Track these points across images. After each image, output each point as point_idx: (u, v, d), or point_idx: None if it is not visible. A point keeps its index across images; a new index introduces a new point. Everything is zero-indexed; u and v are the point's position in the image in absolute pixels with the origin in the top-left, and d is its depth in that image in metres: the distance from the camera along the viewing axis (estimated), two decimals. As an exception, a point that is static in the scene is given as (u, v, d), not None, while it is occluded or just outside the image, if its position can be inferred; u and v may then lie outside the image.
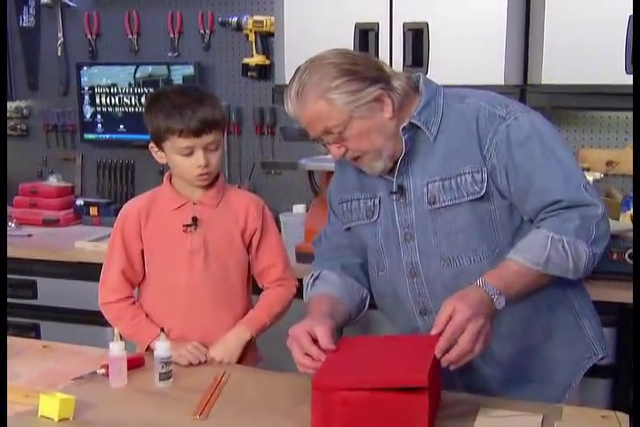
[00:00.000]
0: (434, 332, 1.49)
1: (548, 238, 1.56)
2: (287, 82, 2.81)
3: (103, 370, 1.74)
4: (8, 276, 3.08)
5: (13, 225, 3.47)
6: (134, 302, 1.98)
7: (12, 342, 2.00)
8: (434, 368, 1.45)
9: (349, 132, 1.62)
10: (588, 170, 2.88)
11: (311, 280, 1.83)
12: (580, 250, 1.56)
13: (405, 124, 1.64)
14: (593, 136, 2.98)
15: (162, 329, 1.75)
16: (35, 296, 3.14)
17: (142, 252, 1.97)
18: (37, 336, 3.13)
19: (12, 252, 3.10)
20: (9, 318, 3.14)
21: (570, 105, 2.70)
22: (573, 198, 1.57)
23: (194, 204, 1.94)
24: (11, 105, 3.79)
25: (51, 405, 1.53)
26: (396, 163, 1.69)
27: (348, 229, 1.83)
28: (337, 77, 1.58)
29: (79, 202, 3.58)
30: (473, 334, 1.46)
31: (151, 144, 1.92)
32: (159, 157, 1.92)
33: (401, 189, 1.70)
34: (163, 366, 1.70)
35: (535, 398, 1.63)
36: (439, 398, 1.56)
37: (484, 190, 1.62)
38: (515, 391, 1.69)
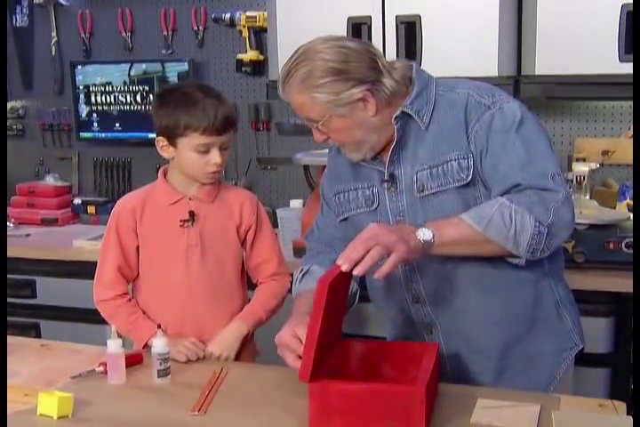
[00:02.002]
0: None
1: (497, 202, 1.56)
2: (281, 77, 2.88)
3: (101, 368, 1.74)
4: (7, 275, 3.11)
5: (12, 225, 3.48)
6: (130, 299, 1.98)
7: (10, 340, 1.99)
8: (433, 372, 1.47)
9: (328, 126, 1.64)
10: (584, 160, 2.88)
11: (300, 275, 1.83)
12: (525, 222, 1.54)
13: (398, 113, 1.65)
14: (588, 126, 2.98)
15: (159, 326, 1.75)
16: (34, 295, 3.15)
17: (137, 248, 1.97)
18: (37, 335, 3.13)
19: (11, 252, 3.08)
20: (9, 318, 3.15)
21: (564, 95, 2.70)
22: (532, 183, 1.57)
23: (190, 199, 1.94)
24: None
25: (49, 403, 1.53)
26: (383, 151, 1.70)
27: (344, 219, 1.83)
28: (322, 77, 1.59)
29: (77, 201, 3.58)
30: (381, 249, 1.47)
31: (160, 138, 1.89)
32: (166, 151, 1.90)
33: (392, 178, 1.71)
34: (161, 363, 1.70)
35: (521, 390, 1.64)
36: (436, 389, 1.57)
37: (470, 177, 1.64)
38: (501, 384, 1.70)
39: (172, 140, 1.87)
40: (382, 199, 1.74)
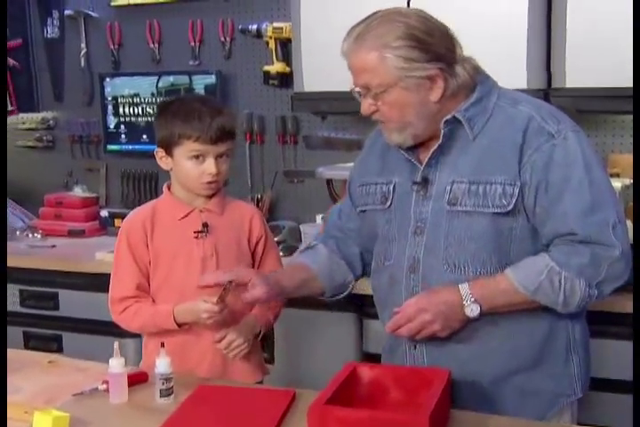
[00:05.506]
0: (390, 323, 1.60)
1: (547, 267, 1.52)
2: (306, 89, 2.85)
3: (104, 386, 1.71)
4: (30, 287, 3.12)
5: (39, 236, 3.47)
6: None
7: (18, 355, 1.98)
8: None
9: (387, 96, 1.56)
10: (618, 175, 2.78)
11: (304, 247, 1.89)
12: (575, 288, 1.51)
13: (449, 117, 1.58)
14: (623, 141, 2.87)
15: (162, 344, 1.70)
16: (56, 307, 3.13)
17: (149, 262, 1.93)
18: (60, 347, 3.13)
19: (35, 263, 3.12)
20: (32, 330, 3.17)
21: (596, 109, 2.61)
22: (590, 235, 1.51)
23: (200, 211, 1.92)
24: (37, 116, 3.81)
25: (44, 422, 1.49)
26: (422, 147, 1.64)
27: (363, 211, 1.79)
28: (401, 38, 1.52)
29: (104, 213, 3.57)
30: (413, 328, 1.57)
31: (158, 149, 1.91)
32: (164, 162, 1.91)
33: (425, 182, 1.63)
34: (163, 383, 1.66)
35: None
36: (447, 416, 1.50)
37: (512, 206, 1.56)
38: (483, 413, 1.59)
39: (169, 151, 1.88)
40: (403, 199, 1.67)
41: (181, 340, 1.88)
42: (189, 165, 1.85)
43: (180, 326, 1.84)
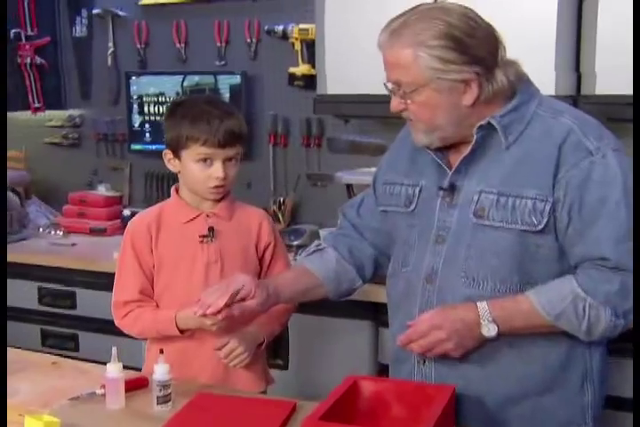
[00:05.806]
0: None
1: (572, 294, 1.45)
2: (329, 91, 2.79)
3: (102, 390, 1.68)
4: (49, 285, 3.12)
5: (61, 234, 3.46)
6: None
7: (20, 356, 1.96)
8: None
9: (417, 96, 1.50)
10: (649, 187, 2.69)
11: (313, 249, 1.83)
12: (600, 317, 1.44)
13: (484, 122, 1.51)
14: (655, 150, 2.78)
15: (161, 351, 1.66)
16: (74, 306, 3.12)
17: (154, 266, 1.90)
18: (76, 346, 3.12)
19: (54, 261, 3.11)
20: (49, 328, 3.17)
21: (627, 117, 2.51)
22: (623, 262, 1.44)
23: (207, 215, 1.88)
24: (64, 113, 3.81)
25: (35, 427, 1.47)
26: (452, 149, 1.57)
27: (385, 212, 1.73)
28: (439, 38, 1.45)
29: (126, 212, 3.54)
30: (425, 346, 1.51)
31: (166, 151, 1.88)
32: (172, 165, 1.88)
33: (452, 188, 1.57)
34: (160, 390, 1.63)
35: None
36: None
37: (542, 226, 1.48)
38: None
39: (176, 153, 1.85)
40: (427, 204, 1.61)
41: (183, 347, 1.84)
42: (197, 169, 1.82)
43: (182, 332, 1.80)
